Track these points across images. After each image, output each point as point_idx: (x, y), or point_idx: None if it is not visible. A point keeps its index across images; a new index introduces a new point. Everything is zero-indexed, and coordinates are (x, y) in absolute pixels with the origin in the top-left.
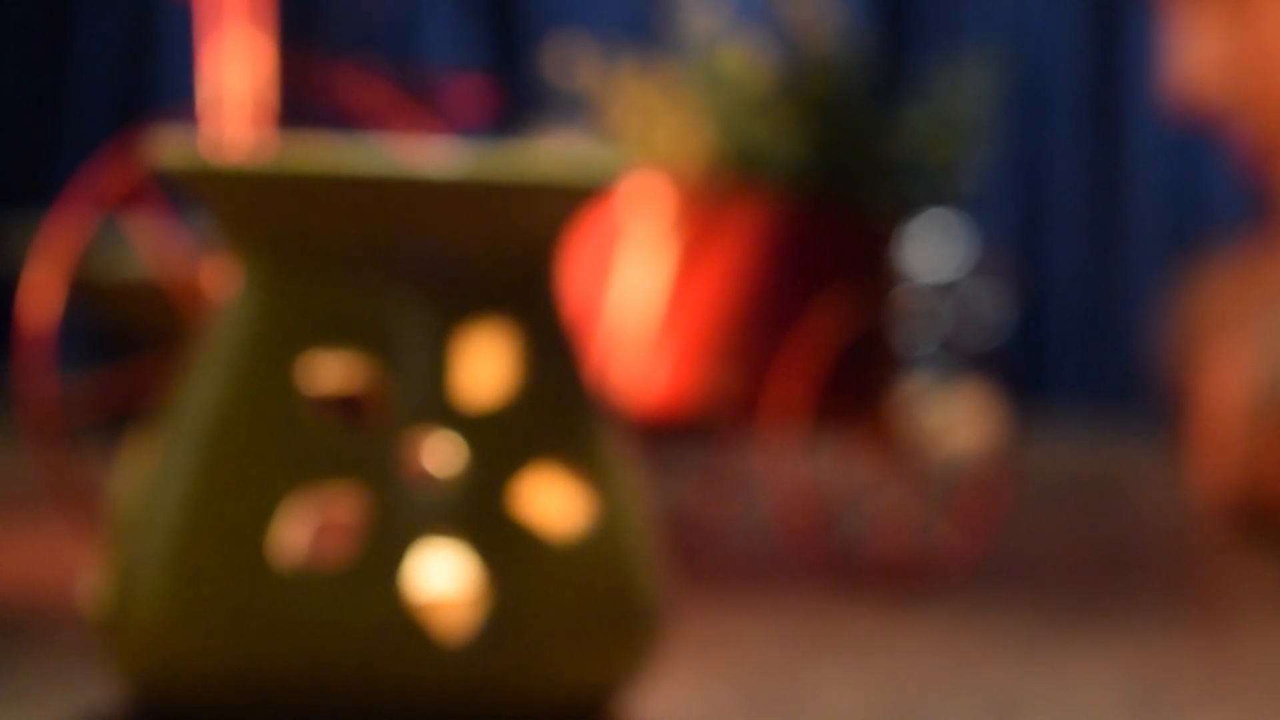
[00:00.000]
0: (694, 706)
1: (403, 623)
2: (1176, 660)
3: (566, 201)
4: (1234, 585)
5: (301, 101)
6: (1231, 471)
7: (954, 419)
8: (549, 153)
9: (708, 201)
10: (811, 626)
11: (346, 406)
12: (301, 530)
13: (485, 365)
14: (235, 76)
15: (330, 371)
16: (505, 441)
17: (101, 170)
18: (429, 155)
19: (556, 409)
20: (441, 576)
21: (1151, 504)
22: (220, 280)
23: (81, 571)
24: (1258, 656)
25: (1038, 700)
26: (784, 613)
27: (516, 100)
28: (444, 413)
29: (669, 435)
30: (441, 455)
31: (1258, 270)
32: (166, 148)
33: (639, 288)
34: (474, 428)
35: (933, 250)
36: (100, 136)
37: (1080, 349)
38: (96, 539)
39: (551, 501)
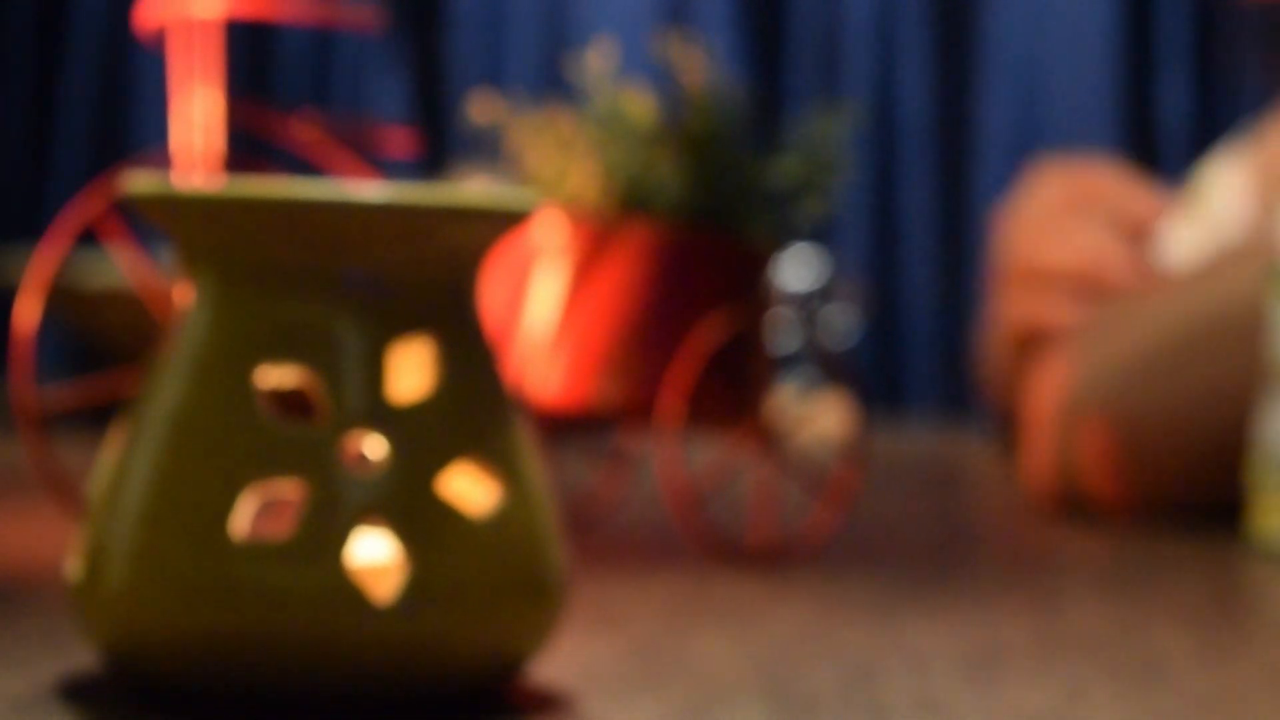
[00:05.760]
0: (591, 667)
1: (342, 589)
2: (1009, 626)
3: (487, 228)
4: (1056, 561)
5: (252, 147)
6: (1049, 466)
7: (814, 414)
8: (470, 189)
9: (604, 230)
10: (694, 596)
11: (295, 399)
12: (250, 508)
13: (414, 372)
14: (196, 126)
15: (278, 375)
16: (430, 438)
17: (82, 204)
18: (365, 190)
19: (475, 409)
20: (376, 551)
21: (987, 493)
22: (184, 295)
23: (67, 550)
24: (1078, 621)
25: (890, 661)
26: (670, 584)
27: (440, 147)
28: (378, 414)
29: (568, 428)
30: (375, 450)
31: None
32: (134, 182)
33: (547, 305)
34: (403, 426)
35: (800, 274)
36: (82, 179)
37: (928, 361)
38: (80, 521)
39: (470, 488)
